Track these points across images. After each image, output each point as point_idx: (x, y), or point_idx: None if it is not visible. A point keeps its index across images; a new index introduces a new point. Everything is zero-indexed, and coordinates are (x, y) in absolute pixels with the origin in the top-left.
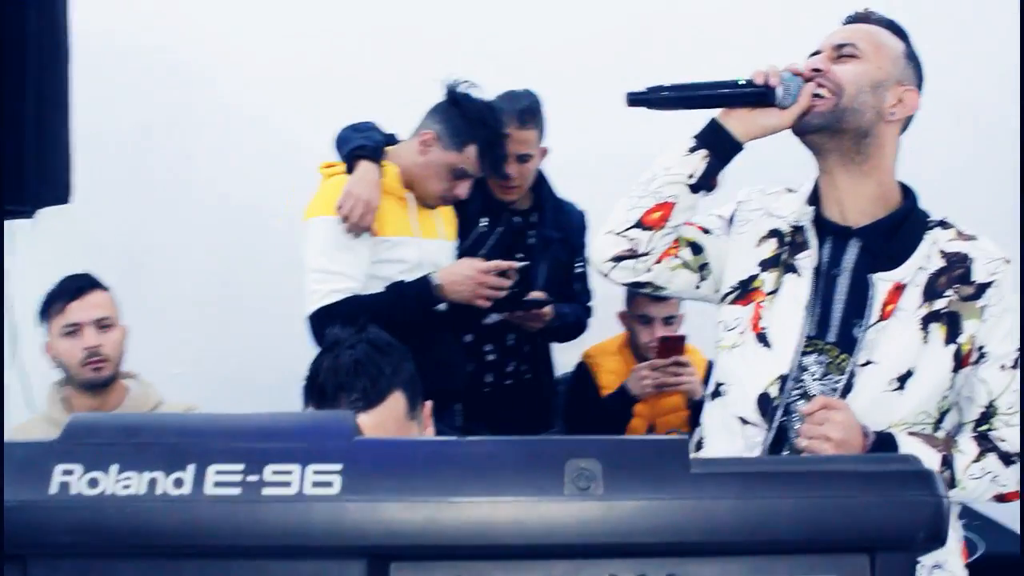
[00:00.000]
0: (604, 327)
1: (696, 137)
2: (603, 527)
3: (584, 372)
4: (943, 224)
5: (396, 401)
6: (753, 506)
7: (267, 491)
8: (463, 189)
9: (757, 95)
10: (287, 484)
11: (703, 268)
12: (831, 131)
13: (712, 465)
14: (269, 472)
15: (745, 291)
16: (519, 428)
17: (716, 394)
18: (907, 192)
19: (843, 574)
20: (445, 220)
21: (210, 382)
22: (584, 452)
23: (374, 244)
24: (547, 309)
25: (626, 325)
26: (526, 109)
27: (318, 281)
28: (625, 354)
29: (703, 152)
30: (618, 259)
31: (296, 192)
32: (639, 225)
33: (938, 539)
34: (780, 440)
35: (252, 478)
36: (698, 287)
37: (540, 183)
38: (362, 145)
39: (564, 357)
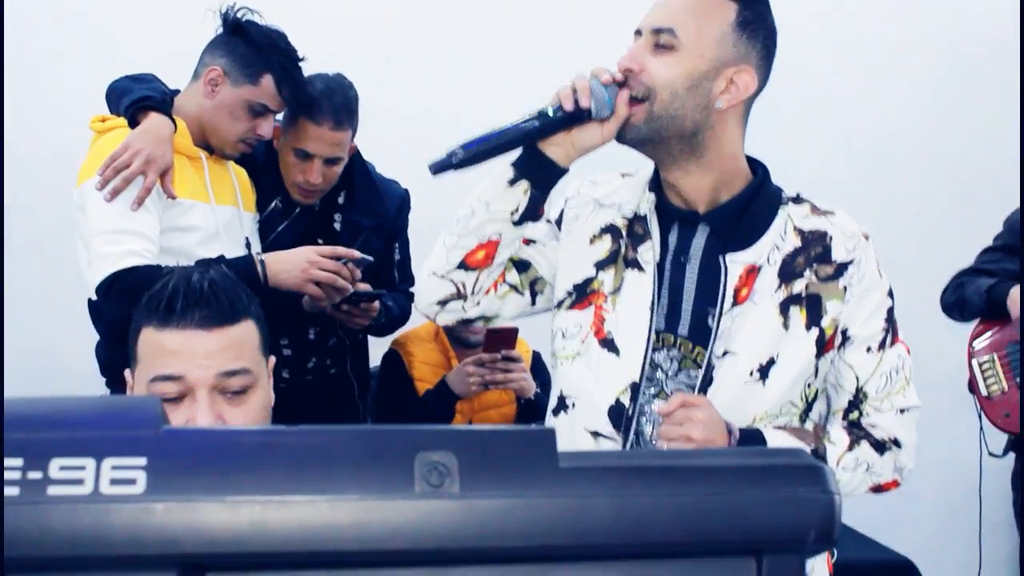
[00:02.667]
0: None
1: (515, 167)
2: (460, 529)
3: (395, 363)
4: (797, 199)
5: (251, 329)
6: (629, 504)
7: (54, 490)
8: (266, 127)
9: (570, 120)
10: (79, 482)
11: (535, 284)
12: (652, 142)
13: (583, 459)
14: (56, 468)
15: (583, 295)
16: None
17: (561, 408)
18: (755, 167)
19: None
20: (242, 187)
21: None
22: (437, 444)
23: (164, 209)
24: (375, 304)
25: None
26: (342, 107)
27: (110, 243)
28: (441, 341)
29: (524, 184)
30: (444, 302)
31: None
32: (463, 266)
33: (829, 539)
34: None
35: (34, 475)
36: (533, 304)
37: (351, 159)
38: (147, 95)
39: (373, 348)
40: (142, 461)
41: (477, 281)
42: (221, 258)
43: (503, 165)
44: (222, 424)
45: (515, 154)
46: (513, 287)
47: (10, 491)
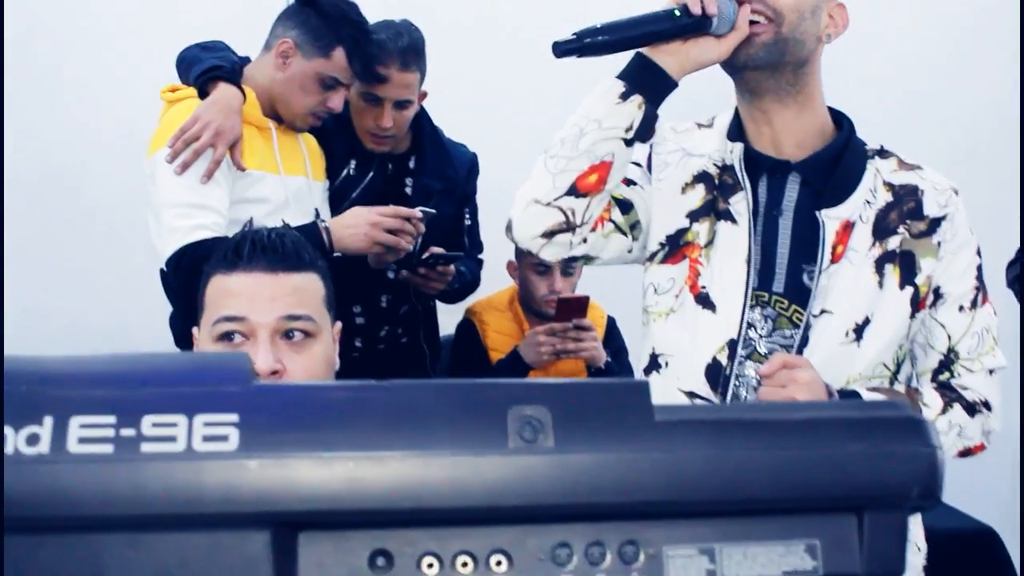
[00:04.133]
0: (489, 279)
1: (625, 81)
2: (554, 485)
3: (469, 331)
4: (882, 153)
5: (315, 281)
6: (727, 459)
7: (147, 448)
8: (337, 100)
9: (695, 25)
10: (172, 439)
11: (634, 228)
12: (771, 66)
13: (679, 412)
14: (148, 425)
15: (675, 247)
16: None
17: (653, 367)
18: (840, 119)
19: (827, 536)
20: (312, 156)
21: None
22: (530, 398)
23: (233, 181)
24: (451, 267)
25: (516, 277)
26: (409, 48)
27: (179, 216)
28: (515, 310)
29: (638, 99)
30: (551, 234)
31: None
32: (573, 192)
33: (933, 495)
34: None
35: (127, 432)
36: (630, 251)
37: (420, 122)
38: (217, 65)
39: (444, 316)
40: (234, 417)
41: (588, 208)
42: (286, 227)
43: (608, 79)
44: (280, 367)
45: (620, 64)
46: (618, 227)
47: (103, 448)
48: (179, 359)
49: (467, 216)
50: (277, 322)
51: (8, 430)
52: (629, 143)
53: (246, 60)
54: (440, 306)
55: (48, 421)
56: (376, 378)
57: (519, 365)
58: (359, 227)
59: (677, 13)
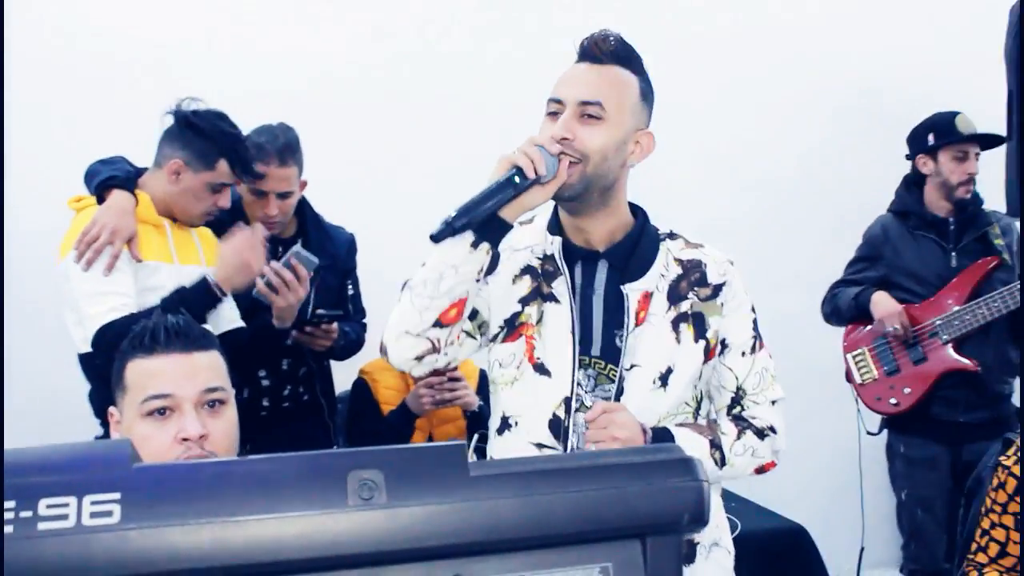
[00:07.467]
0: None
1: (475, 232)
2: (389, 535)
3: (362, 389)
4: (671, 235)
5: (220, 358)
6: (531, 503)
7: (43, 526)
8: (224, 199)
9: (531, 184)
10: (64, 517)
11: (481, 327)
12: (581, 196)
13: (489, 467)
14: (43, 507)
15: (512, 328)
16: (302, 449)
17: (504, 428)
18: (636, 210)
19: (617, 560)
20: (205, 246)
21: None
22: (366, 463)
23: (135, 271)
24: (334, 326)
25: None
26: (285, 147)
27: (94, 304)
28: None
29: (486, 246)
30: (421, 358)
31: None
32: (437, 324)
33: (701, 520)
34: None
35: (25, 514)
36: (480, 346)
37: (303, 209)
38: (112, 176)
39: (339, 375)
40: (117, 496)
41: (450, 335)
42: (181, 288)
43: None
44: (206, 431)
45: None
46: (468, 334)
47: (5, 529)
48: (71, 448)
49: (350, 287)
50: (200, 395)
51: None
52: (479, 280)
53: (142, 170)
54: (335, 365)
55: None
56: (283, 431)
57: (407, 415)
58: (236, 258)
59: (517, 180)
